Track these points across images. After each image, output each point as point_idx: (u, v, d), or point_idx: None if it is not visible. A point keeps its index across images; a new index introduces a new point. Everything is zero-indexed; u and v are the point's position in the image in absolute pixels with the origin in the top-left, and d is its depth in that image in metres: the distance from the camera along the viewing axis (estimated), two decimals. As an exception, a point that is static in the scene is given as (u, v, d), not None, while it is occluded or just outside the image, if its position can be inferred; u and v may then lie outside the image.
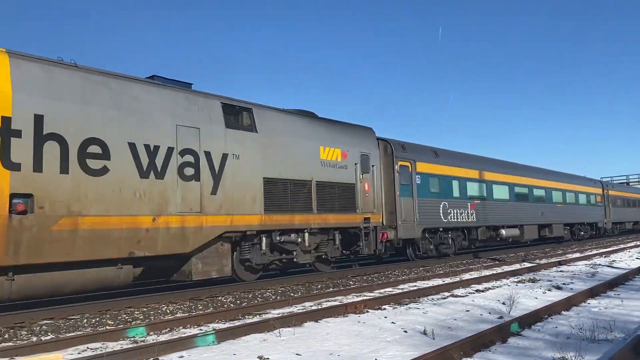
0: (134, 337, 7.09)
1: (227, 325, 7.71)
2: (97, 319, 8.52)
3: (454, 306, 8.90)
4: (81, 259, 8.92)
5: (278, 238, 12.64)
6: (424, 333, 6.70)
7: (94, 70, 9.81)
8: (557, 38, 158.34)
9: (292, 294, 10.89)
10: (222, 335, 6.66)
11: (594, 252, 21.62)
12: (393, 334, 6.77)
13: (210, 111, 11.49)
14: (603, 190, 35.76)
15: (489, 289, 11.05)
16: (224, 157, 11.53)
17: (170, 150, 10.49)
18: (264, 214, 12.20)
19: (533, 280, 12.33)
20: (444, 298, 9.88)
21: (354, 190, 14.92)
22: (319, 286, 12.22)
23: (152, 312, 9.12)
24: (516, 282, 12.21)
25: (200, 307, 9.55)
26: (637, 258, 18.23)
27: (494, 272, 14.30)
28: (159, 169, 10.25)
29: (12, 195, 8.23)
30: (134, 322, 8.19)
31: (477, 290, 10.81)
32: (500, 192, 22.89)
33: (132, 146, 9.89)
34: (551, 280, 12.31)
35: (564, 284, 11.68)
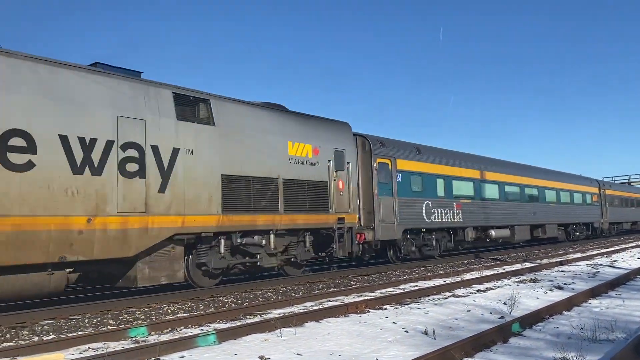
0: (135, 337, 7.09)
1: (228, 325, 7.71)
2: (99, 318, 8.53)
3: (455, 306, 8.89)
4: (1, 264, 8.02)
5: (239, 240, 11.69)
6: (425, 333, 6.70)
7: (18, 54, 8.71)
8: (557, 38, 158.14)
9: (293, 294, 10.89)
10: (223, 335, 6.66)
11: (596, 252, 21.59)
12: (394, 334, 6.77)
13: (159, 102, 10.49)
14: (599, 190, 34.75)
15: (490, 289, 11.05)
16: (175, 152, 10.53)
17: (109, 143, 9.49)
18: (222, 214, 11.22)
19: (534, 280, 12.32)
20: (445, 298, 9.88)
21: (326, 188, 13.96)
22: (320, 286, 12.22)
23: (153, 312, 9.13)
24: (517, 282, 12.20)
25: (202, 307, 9.56)
26: (638, 258, 18.20)
27: (495, 272, 14.30)
28: (96, 165, 9.26)
29: None
30: (135, 322, 8.20)
31: (479, 290, 10.81)
32: (489, 191, 21.94)
33: (64, 139, 8.88)
34: (552, 280, 12.30)
35: (565, 284, 11.67)
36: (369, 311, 8.56)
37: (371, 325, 7.42)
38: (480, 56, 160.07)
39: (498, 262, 17.30)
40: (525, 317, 7.19)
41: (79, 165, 9.06)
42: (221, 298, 10.58)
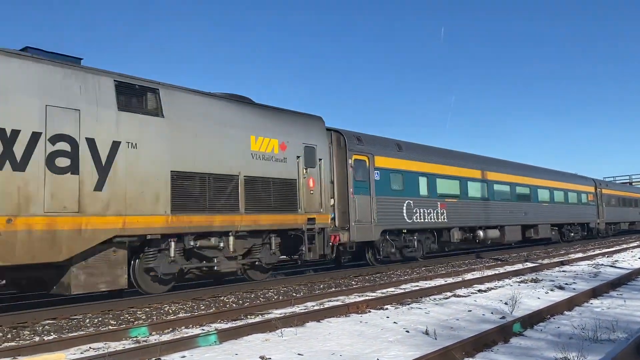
0: (136, 337, 7.10)
1: (229, 325, 7.72)
2: (100, 318, 8.54)
3: (456, 306, 8.89)
4: None
5: (192, 243, 10.79)
6: (426, 333, 6.70)
7: None
8: (557, 38, 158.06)
9: (294, 294, 10.89)
10: (224, 335, 6.67)
11: (597, 252, 21.59)
12: (395, 334, 6.76)
13: (98, 91, 9.55)
14: (596, 189, 33.74)
15: (491, 289, 11.04)
16: (115, 145, 9.59)
17: (35, 136, 8.59)
18: (172, 214, 10.27)
19: (535, 280, 12.31)
20: (446, 298, 9.88)
21: (294, 186, 12.96)
22: (322, 286, 12.23)
23: (154, 312, 9.13)
24: (518, 282, 12.19)
25: (203, 307, 9.56)
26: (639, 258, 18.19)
27: (497, 272, 14.29)
28: (18, 159, 8.36)
29: None
30: (136, 322, 8.21)
31: (480, 290, 10.80)
32: (477, 190, 20.92)
33: None
34: (554, 280, 12.29)
35: (566, 284, 11.66)
36: (370, 311, 8.57)
37: (372, 325, 7.42)
38: (481, 57, 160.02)
39: (499, 262, 17.29)
40: (527, 317, 7.19)
41: None
42: (222, 298, 10.59)
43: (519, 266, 16.00)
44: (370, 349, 6.00)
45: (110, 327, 7.88)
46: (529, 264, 16.51)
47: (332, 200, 14.51)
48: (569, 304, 8.49)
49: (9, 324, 8.03)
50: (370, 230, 15.32)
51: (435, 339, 6.42)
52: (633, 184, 59.04)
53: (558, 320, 7.47)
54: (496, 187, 22.33)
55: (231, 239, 11.52)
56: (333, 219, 14.47)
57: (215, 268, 11.41)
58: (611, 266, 15.63)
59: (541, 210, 25.86)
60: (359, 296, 10.43)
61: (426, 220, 17.71)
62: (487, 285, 11.70)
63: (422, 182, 17.94)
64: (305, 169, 13.40)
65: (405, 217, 16.81)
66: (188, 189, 10.67)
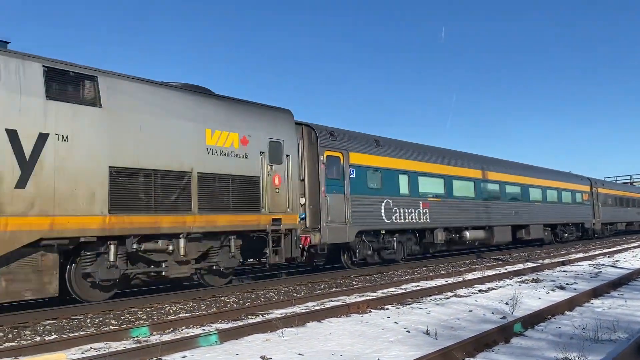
0: (137, 337, 7.10)
1: (229, 325, 7.72)
2: (101, 318, 8.55)
3: (457, 306, 8.89)
4: None
5: (136, 246, 9.87)
6: (427, 333, 6.70)
7: None
8: (557, 38, 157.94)
9: (295, 294, 10.90)
10: (225, 335, 6.67)
11: (598, 252, 21.57)
12: (396, 334, 6.76)
13: (22, 77, 8.66)
14: (591, 188, 32.66)
15: (492, 289, 11.04)
16: (42, 138, 8.68)
17: None
18: (110, 214, 9.33)
19: (536, 281, 12.30)
20: (447, 298, 9.88)
21: (257, 184, 12.05)
22: (322, 286, 12.23)
23: (155, 312, 9.14)
24: (519, 282, 12.18)
25: (203, 307, 9.56)
26: (641, 258, 18.17)
27: (497, 272, 14.28)
28: None
29: None
30: (137, 322, 8.21)
31: (480, 291, 10.80)
32: (463, 189, 19.95)
33: None
34: (554, 280, 12.28)
35: (567, 284, 11.65)
36: (370, 311, 8.56)
37: (373, 325, 7.42)
38: (481, 56, 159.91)
39: (500, 262, 17.29)
40: (527, 317, 7.18)
41: None
42: (223, 298, 10.59)
43: (519, 266, 16.00)
44: (371, 349, 5.99)
45: (111, 327, 7.89)
46: (530, 264, 16.50)
47: (302, 199, 13.80)
48: (570, 304, 8.48)
49: (10, 323, 8.04)
50: (344, 231, 14.49)
51: (436, 339, 6.42)
52: (634, 183, 58.98)
53: (559, 321, 7.47)
54: (484, 185, 21.49)
55: (182, 241, 10.54)
56: (304, 219, 13.68)
57: (164, 273, 10.49)
58: (612, 266, 15.62)
59: (533, 210, 25.03)
60: (360, 296, 10.43)
61: (407, 220, 16.90)
62: (488, 285, 11.70)
63: (403, 180, 17.14)
64: (270, 165, 12.50)
65: (384, 218, 16.00)
66: (130, 187, 9.77)
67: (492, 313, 8.20)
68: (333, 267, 16.30)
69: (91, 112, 9.41)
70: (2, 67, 8.49)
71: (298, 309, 9.10)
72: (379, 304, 9.12)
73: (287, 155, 13.02)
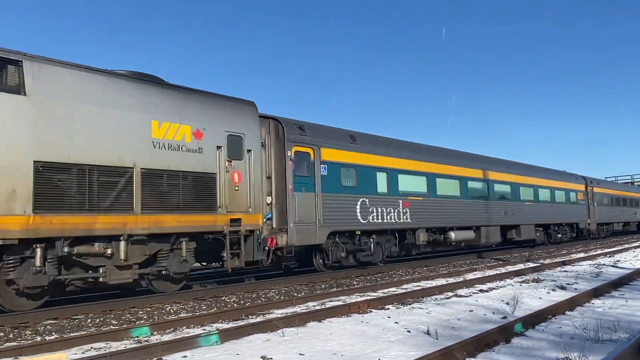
0: (137, 337, 7.10)
1: (230, 325, 7.72)
2: (101, 318, 8.55)
3: (458, 306, 8.89)
4: None
5: (67, 249, 8.91)
6: (428, 333, 6.70)
7: None
8: (557, 38, 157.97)
9: (295, 294, 10.90)
10: (226, 335, 6.67)
11: (599, 252, 21.57)
12: (396, 334, 6.76)
13: None
14: (586, 187, 31.65)
15: (493, 289, 11.03)
16: None
17: None
18: (35, 214, 8.39)
19: (537, 280, 12.30)
20: (448, 298, 9.87)
21: (213, 182, 11.13)
22: (323, 286, 12.23)
23: (155, 312, 9.14)
24: (520, 282, 12.18)
25: (204, 307, 9.57)
26: (641, 258, 18.16)
27: (498, 272, 14.28)
28: None
29: None
30: (137, 322, 8.22)
31: (481, 290, 10.79)
32: (448, 188, 18.99)
33: None
34: (555, 280, 12.27)
35: (568, 284, 11.65)
36: (371, 311, 8.56)
37: (373, 325, 7.42)
38: (481, 57, 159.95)
39: (501, 262, 17.29)
40: (528, 317, 7.18)
41: None
42: (223, 298, 10.59)
43: (520, 266, 15.99)
44: (371, 349, 5.99)
45: (111, 327, 7.90)
46: (531, 264, 16.50)
47: (269, 198, 12.94)
48: (571, 304, 8.48)
49: (11, 324, 8.05)
50: (314, 232, 13.52)
51: (437, 339, 6.42)
52: (635, 183, 58.94)
53: (559, 320, 7.46)
54: (471, 184, 20.45)
55: (122, 244, 9.60)
56: (270, 219, 12.84)
57: (101, 279, 9.57)
58: (613, 266, 15.61)
59: (524, 209, 24.09)
60: (360, 296, 10.43)
61: (385, 220, 15.92)
62: (489, 285, 11.69)
63: (381, 178, 16.14)
64: (229, 161, 11.56)
65: (359, 217, 15.03)
66: (60, 184, 8.80)
67: (493, 313, 8.20)
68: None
69: (13, 100, 8.44)
70: None
71: (299, 308, 9.10)
72: (380, 303, 9.12)
73: (249, 151, 12.09)
